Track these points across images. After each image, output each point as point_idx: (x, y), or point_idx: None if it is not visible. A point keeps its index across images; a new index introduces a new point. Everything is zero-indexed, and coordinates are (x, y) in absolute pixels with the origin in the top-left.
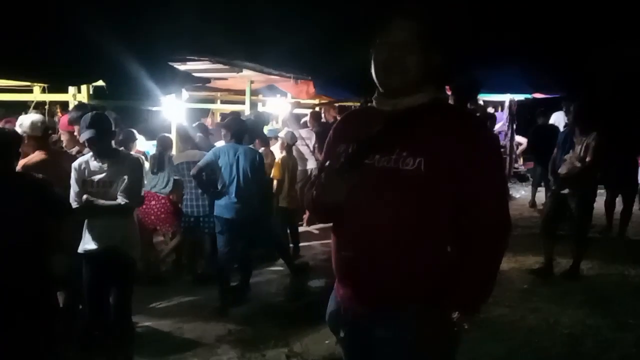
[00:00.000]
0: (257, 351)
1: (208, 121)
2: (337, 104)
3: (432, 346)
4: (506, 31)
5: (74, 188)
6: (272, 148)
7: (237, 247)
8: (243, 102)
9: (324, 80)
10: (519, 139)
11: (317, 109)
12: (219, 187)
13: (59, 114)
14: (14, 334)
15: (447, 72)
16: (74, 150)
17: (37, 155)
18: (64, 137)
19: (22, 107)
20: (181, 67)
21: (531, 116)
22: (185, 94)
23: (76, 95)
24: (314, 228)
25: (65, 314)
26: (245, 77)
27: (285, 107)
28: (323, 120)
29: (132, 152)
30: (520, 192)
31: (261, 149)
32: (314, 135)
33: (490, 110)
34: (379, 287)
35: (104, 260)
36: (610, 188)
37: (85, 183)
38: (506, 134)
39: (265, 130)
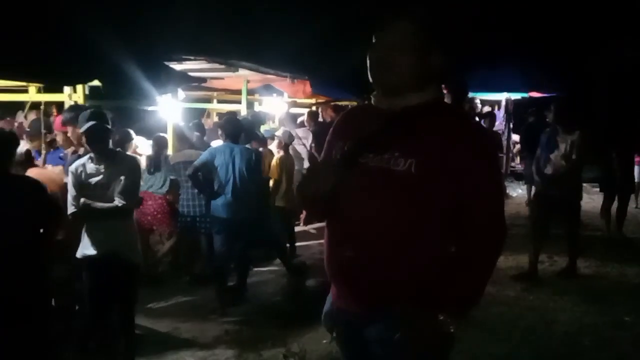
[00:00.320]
0: (255, 351)
1: (208, 122)
2: (333, 103)
3: (424, 347)
4: (503, 31)
5: (71, 192)
6: (269, 147)
7: (234, 247)
8: (239, 102)
9: (321, 80)
10: (515, 137)
11: (314, 108)
12: (215, 187)
13: (55, 114)
14: (10, 335)
15: (447, 72)
16: (69, 151)
17: None
18: (59, 138)
19: (18, 108)
20: (177, 66)
21: (528, 115)
22: (181, 93)
23: (72, 95)
24: (311, 227)
25: (62, 314)
26: (242, 77)
27: (281, 106)
28: (320, 119)
29: (129, 153)
30: (517, 191)
31: (260, 149)
32: (311, 135)
33: (488, 108)
34: (370, 287)
35: (104, 266)
36: (607, 189)
37: (82, 186)
38: (503, 133)
39: (262, 130)
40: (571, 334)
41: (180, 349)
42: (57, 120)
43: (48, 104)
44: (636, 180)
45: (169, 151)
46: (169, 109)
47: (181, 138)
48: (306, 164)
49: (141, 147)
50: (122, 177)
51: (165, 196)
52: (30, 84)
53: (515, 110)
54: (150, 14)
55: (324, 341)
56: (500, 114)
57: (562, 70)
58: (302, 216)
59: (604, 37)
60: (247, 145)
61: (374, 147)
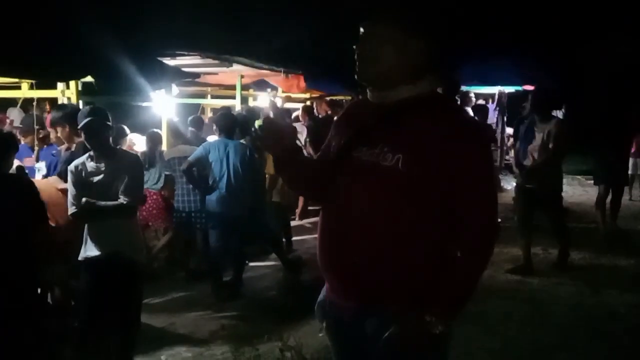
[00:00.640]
0: (251, 345)
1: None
2: (328, 98)
3: (411, 348)
4: (497, 24)
5: (71, 191)
6: None
7: (230, 242)
8: (234, 97)
9: (315, 74)
10: (509, 130)
11: (308, 103)
12: (210, 182)
13: (48, 110)
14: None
15: (437, 64)
16: (62, 147)
17: None
18: (52, 135)
19: (10, 104)
20: (171, 62)
21: (522, 108)
22: (175, 89)
23: (65, 92)
24: (306, 222)
25: (58, 311)
26: (236, 72)
27: (268, 100)
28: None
29: (124, 148)
30: (511, 184)
31: None
32: (306, 130)
33: (481, 102)
34: (359, 282)
35: (106, 267)
36: (602, 182)
37: (83, 185)
38: (497, 126)
39: (257, 125)
40: (566, 326)
41: (177, 344)
42: (49, 116)
43: (41, 100)
44: (630, 172)
45: (163, 147)
46: (162, 104)
47: (175, 133)
48: None
49: (138, 145)
50: (125, 175)
51: (161, 192)
52: (23, 80)
53: (509, 103)
54: (144, 10)
55: (320, 334)
56: (492, 107)
57: (556, 63)
58: (298, 211)
59: (599, 31)
60: (242, 141)
61: (367, 141)
